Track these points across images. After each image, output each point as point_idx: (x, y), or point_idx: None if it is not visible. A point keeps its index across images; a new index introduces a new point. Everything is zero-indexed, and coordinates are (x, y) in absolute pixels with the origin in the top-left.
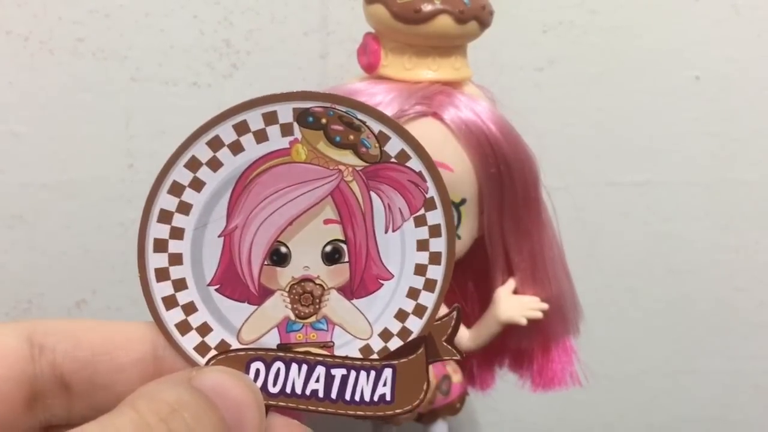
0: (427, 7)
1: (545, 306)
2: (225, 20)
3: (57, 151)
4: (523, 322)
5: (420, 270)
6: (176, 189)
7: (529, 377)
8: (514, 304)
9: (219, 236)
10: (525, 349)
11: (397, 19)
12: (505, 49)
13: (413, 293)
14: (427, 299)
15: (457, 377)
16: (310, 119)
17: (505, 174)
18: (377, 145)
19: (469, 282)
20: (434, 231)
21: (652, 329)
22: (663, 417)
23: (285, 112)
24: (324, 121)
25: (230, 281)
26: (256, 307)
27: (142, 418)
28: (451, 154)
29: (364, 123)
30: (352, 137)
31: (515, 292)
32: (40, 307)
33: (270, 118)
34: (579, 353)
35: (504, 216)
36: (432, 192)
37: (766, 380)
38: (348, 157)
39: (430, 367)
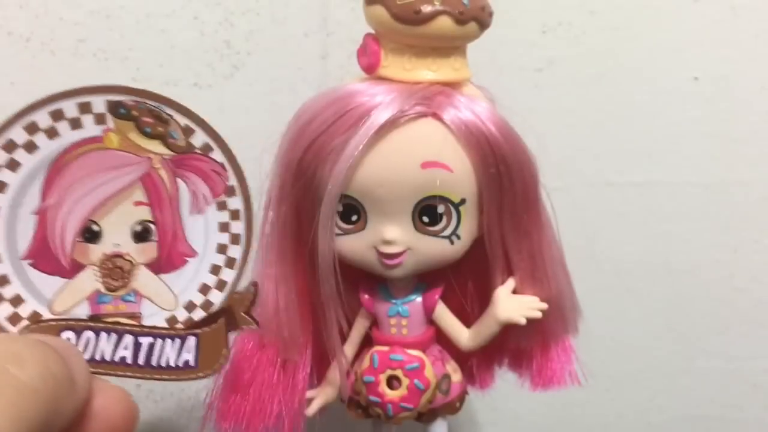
0: (426, 8)
1: (544, 306)
2: (225, 21)
3: None
4: (523, 321)
5: (221, 249)
6: None
7: (529, 376)
8: (513, 304)
9: (33, 213)
10: (524, 348)
11: (397, 20)
12: (504, 49)
13: (215, 269)
14: (228, 275)
15: (456, 377)
16: (122, 111)
17: (505, 174)
18: (184, 137)
19: (469, 282)
20: (234, 215)
21: (651, 329)
22: (662, 416)
23: (99, 104)
24: (135, 113)
25: (43, 256)
26: (68, 280)
27: None
28: (450, 154)
29: (171, 117)
30: (161, 129)
31: (515, 291)
32: None
33: (85, 108)
34: (578, 352)
35: (503, 216)
36: (233, 181)
37: (765, 380)
38: (157, 147)
39: (430, 366)
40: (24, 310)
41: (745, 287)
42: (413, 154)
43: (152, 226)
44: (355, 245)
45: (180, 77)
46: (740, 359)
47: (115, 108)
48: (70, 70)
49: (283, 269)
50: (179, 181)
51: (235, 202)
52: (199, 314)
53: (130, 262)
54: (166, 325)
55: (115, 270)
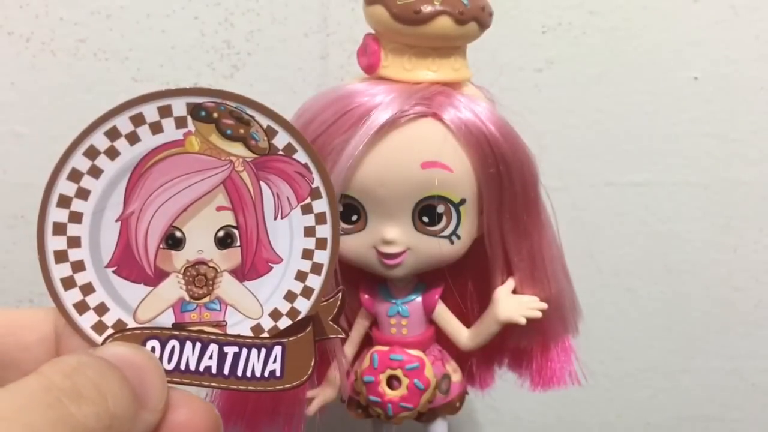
0: (426, 9)
1: (544, 306)
2: (226, 21)
3: (58, 152)
4: (523, 321)
5: (307, 254)
6: (75, 176)
7: (529, 376)
8: (513, 304)
9: (116, 221)
10: (524, 348)
11: (397, 20)
12: (504, 49)
13: (301, 276)
14: (314, 281)
15: (456, 376)
16: (203, 113)
17: (505, 174)
18: (266, 138)
19: (469, 282)
20: (320, 218)
21: (651, 328)
22: (661, 416)
23: (179, 106)
24: (215, 115)
25: (127, 263)
26: (151, 288)
27: (47, 377)
28: (450, 154)
29: (252, 118)
30: (242, 131)
31: (514, 291)
32: (41, 306)
33: (165, 111)
34: (578, 352)
35: (503, 216)
36: (318, 182)
37: (764, 379)
38: (239, 149)
39: (430, 366)
40: (109, 319)
41: (744, 287)
42: (413, 154)
43: (235, 231)
44: (355, 245)
45: (180, 77)
46: (739, 359)
47: (195, 110)
48: (70, 70)
49: None
50: (262, 184)
51: (321, 205)
52: (285, 323)
53: (214, 269)
54: (251, 334)
55: (199, 277)
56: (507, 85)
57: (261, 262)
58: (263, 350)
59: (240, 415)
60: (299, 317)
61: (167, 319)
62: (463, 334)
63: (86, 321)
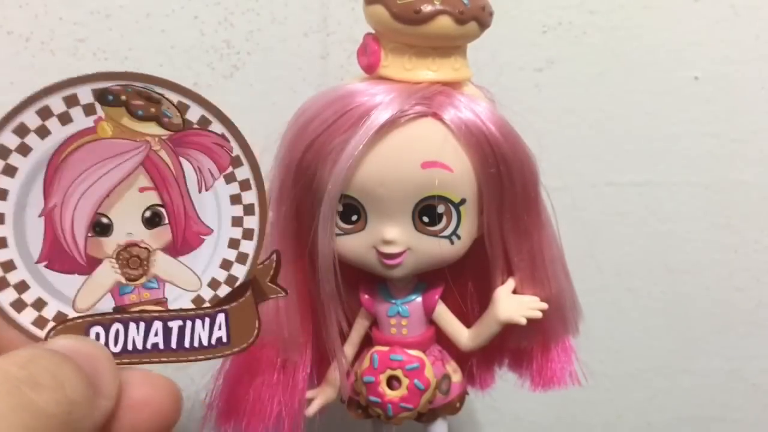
0: (426, 8)
1: (545, 306)
2: (225, 21)
3: None
4: (523, 321)
5: (237, 222)
6: None
7: (529, 376)
8: (513, 304)
9: (39, 216)
10: (524, 348)
11: (397, 20)
12: (504, 49)
13: (234, 243)
14: (248, 246)
15: (456, 377)
16: (110, 98)
17: (505, 174)
18: (178, 114)
19: (469, 282)
20: (244, 185)
21: (651, 329)
22: (662, 416)
23: (85, 94)
24: (124, 97)
25: (58, 256)
26: (86, 276)
27: (2, 369)
28: (450, 154)
29: (162, 95)
30: (153, 109)
31: (515, 291)
32: None
33: (71, 101)
34: (578, 353)
35: (503, 216)
36: (237, 151)
37: (765, 379)
38: (153, 128)
39: (430, 366)
40: (48, 313)
41: (745, 287)
42: (413, 154)
43: (162, 209)
44: (355, 245)
45: (180, 77)
46: (740, 359)
47: (102, 96)
48: (69, 70)
49: (283, 269)
50: (182, 159)
51: (243, 172)
52: (224, 290)
53: (146, 249)
54: (193, 306)
55: (132, 259)
56: (507, 85)
57: (192, 236)
58: (207, 320)
59: (240, 415)
60: (238, 283)
61: (107, 305)
62: (463, 335)
63: (26, 318)
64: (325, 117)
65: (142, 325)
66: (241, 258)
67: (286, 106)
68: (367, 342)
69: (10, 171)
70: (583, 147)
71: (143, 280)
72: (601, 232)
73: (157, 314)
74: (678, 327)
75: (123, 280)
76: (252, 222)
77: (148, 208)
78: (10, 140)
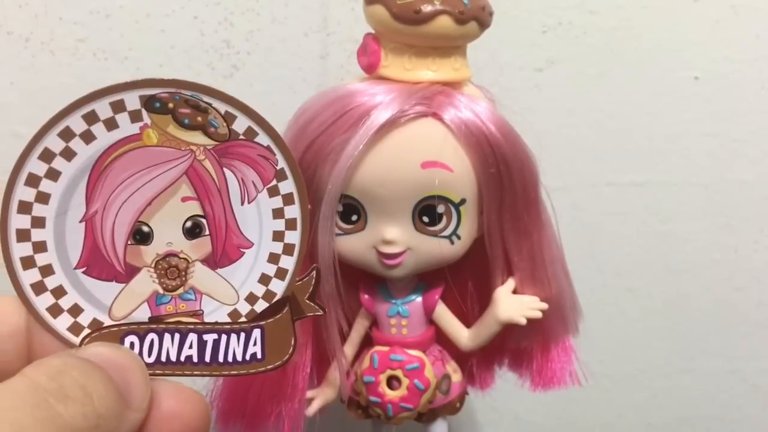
0: (426, 8)
1: (545, 306)
2: (225, 21)
3: None
4: (523, 321)
5: (278, 236)
6: (33, 180)
7: (529, 376)
8: (513, 304)
9: (80, 222)
10: (524, 348)
11: (397, 20)
12: (504, 49)
13: (274, 258)
14: (288, 262)
15: (456, 377)
16: (158, 105)
17: (505, 174)
18: (225, 124)
19: (469, 282)
20: (288, 199)
21: (651, 329)
22: (662, 416)
23: (132, 100)
24: (171, 105)
25: (96, 263)
26: (124, 285)
27: (32, 379)
28: (450, 154)
29: (210, 105)
30: (200, 119)
31: (515, 291)
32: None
33: (118, 107)
34: (578, 353)
35: (503, 216)
36: (282, 164)
37: (764, 379)
38: (198, 138)
39: (430, 366)
40: (84, 319)
41: (745, 287)
42: (413, 154)
43: (203, 220)
44: (355, 245)
45: (180, 77)
46: (740, 359)
47: (149, 102)
48: (69, 69)
49: None
50: (226, 170)
51: (287, 186)
52: (261, 305)
53: (185, 259)
54: (229, 320)
55: (171, 269)
56: (507, 85)
57: (232, 249)
58: (242, 335)
59: (240, 415)
60: (275, 299)
61: (143, 314)
62: (463, 335)
63: (61, 323)
64: (325, 117)
65: (177, 336)
66: (281, 273)
67: (286, 106)
68: (367, 342)
69: (53, 175)
70: (583, 147)
71: (180, 291)
72: (601, 232)
73: (192, 326)
74: (678, 327)
75: (160, 290)
76: (293, 237)
77: (189, 219)
78: (55, 144)
